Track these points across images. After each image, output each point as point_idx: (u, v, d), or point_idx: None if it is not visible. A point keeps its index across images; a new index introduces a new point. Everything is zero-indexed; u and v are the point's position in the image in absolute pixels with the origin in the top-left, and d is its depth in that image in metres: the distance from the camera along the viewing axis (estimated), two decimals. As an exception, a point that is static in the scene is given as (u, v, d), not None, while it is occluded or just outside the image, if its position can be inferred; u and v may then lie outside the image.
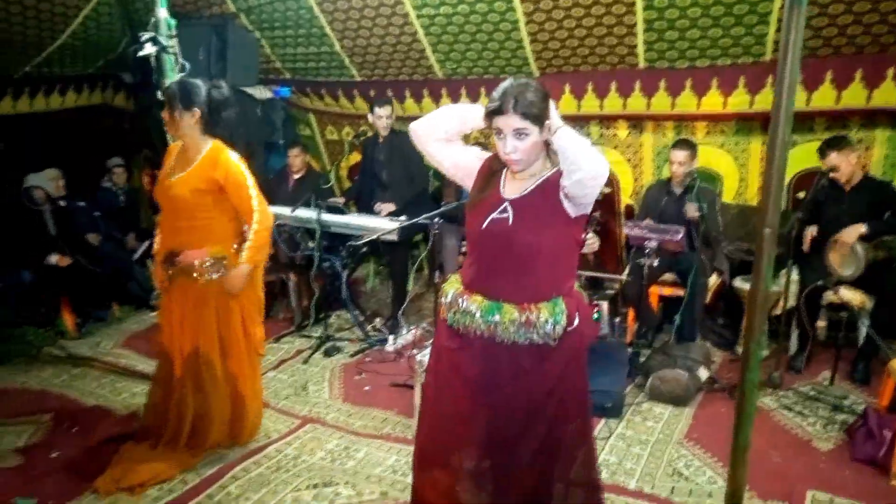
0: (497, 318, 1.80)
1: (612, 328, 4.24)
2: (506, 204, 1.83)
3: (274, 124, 5.38)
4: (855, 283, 3.66)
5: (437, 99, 5.07)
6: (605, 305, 4.32)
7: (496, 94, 1.78)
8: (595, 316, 4.29)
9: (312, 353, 4.14)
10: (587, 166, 1.67)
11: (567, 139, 1.69)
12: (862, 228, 3.59)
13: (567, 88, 4.54)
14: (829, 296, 3.71)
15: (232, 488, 2.64)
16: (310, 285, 4.68)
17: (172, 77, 2.99)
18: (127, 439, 2.91)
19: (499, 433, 1.88)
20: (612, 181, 4.65)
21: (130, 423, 3.12)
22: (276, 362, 3.99)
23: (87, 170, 5.59)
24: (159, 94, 3.02)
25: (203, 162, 2.62)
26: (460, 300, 1.87)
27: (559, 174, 1.76)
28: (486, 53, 4.45)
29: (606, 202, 4.62)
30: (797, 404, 3.35)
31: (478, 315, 1.82)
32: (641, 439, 3.03)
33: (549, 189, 1.80)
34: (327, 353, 4.17)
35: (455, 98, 4.95)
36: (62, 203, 4.76)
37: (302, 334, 4.50)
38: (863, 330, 3.66)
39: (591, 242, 3.50)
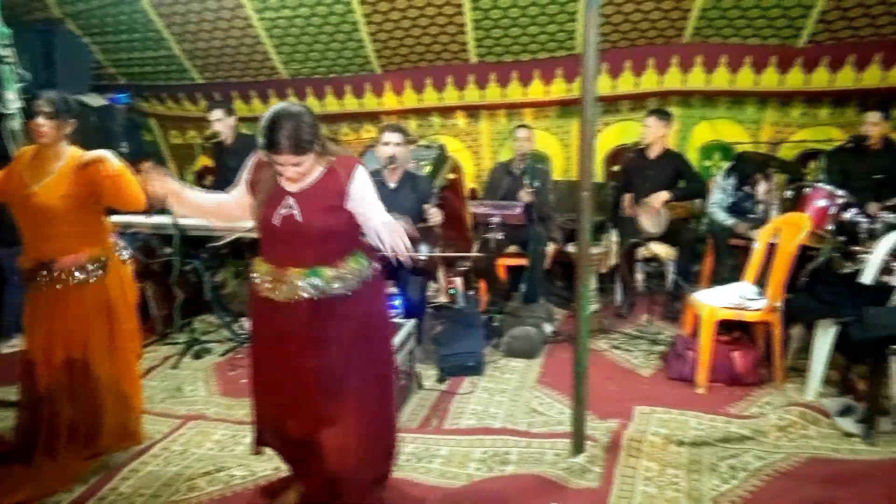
0: (317, 280, 2.05)
1: (467, 300, 4.66)
2: (289, 199, 2.03)
3: (112, 133, 5.18)
4: (661, 239, 4.36)
5: (283, 98, 5.17)
6: (458, 281, 4.73)
7: (266, 125, 1.90)
8: (451, 291, 4.71)
9: (181, 358, 4.14)
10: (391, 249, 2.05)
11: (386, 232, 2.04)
12: (667, 195, 4.28)
13: (408, 84, 4.86)
14: (642, 251, 4.40)
15: (123, 488, 2.66)
16: (169, 293, 4.62)
17: (12, 88, 2.91)
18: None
19: (331, 382, 2.13)
20: (456, 168, 5.08)
21: (-1, 448, 3.00)
22: (144, 371, 3.94)
23: None
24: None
25: (69, 166, 2.60)
26: (279, 276, 2.06)
27: (333, 169, 2.05)
28: (329, 54, 4.66)
29: (453, 187, 5.03)
30: (624, 343, 3.97)
31: (300, 283, 2.04)
32: (501, 389, 3.45)
33: (327, 182, 2.05)
34: (197, 356, 4.18)
35: (301, 97, 5.10)
36: None
37: (166, 342, 4.45)
38: (670, 277, 4.39)
39: (435, 215, 3.88)
